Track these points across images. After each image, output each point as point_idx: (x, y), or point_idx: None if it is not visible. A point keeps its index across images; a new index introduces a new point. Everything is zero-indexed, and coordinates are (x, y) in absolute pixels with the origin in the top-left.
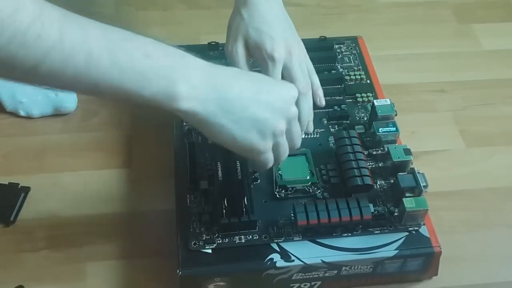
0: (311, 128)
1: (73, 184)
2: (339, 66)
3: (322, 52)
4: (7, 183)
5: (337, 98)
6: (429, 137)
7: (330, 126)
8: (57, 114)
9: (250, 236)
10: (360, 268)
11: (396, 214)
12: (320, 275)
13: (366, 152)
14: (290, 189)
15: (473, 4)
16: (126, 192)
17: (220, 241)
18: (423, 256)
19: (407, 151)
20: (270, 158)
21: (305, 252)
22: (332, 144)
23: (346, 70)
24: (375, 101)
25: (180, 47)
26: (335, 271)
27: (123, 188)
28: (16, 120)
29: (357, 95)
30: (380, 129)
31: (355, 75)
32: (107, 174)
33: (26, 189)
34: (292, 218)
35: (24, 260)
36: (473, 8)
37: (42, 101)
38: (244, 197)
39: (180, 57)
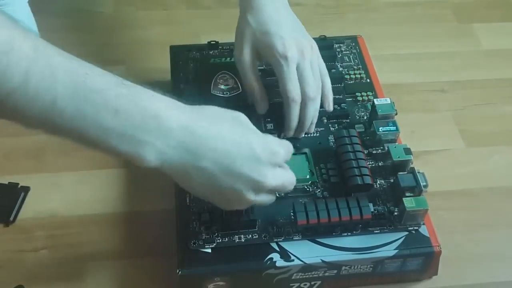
0: (312, 129)
1: (73, 183)
2: (339, 65)
3: (322, 51)
4: (6, 182)
5: (337, 97)
6: (429, 136)
7: (330, 125)
8: None
9: (250, 236)
10: (360, 268)
11: (396, 213)
12: (320, 275)
13: (366, 151)
14: None
15: (473, 4)
16: (126, 192)
17: (220, 241)
18: (423, 256)
19: (407, 151)
20: (245, 207)
21: (305, 252)
22: (332, 143)
23: (346, 69)
24: (375, 100)
25: (180, 47)
26: (335, 271)
27: (123, 187)
28: None
29: (357, 94)
30: (380, 128)
31: (355, 74)
32: (107, 174)
33: (26, 189)
34: (292, 217)
35: (24, 259)
36: (473, 7)
37: None
38: None
39: (153, 117)
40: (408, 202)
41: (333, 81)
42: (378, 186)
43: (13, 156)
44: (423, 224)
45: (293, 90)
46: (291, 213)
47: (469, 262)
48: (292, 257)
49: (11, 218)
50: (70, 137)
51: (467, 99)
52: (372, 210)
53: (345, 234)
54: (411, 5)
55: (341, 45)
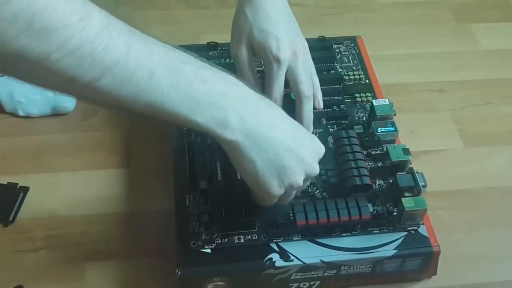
0: (310, 129)
1: (72, 184)
2: (338, 66)
3: (321, 52)
4: (6, 183)
5: (336, 98)
6: (428, 136)
7: (329, 126)
8: (56, 113)
9: (249, 236)
10: (359, 268)
11: (395, 213)
12: (319, 275)
13: (365, 152)
14: None
15: (472, 4)
16: (125, 192)
17: (219, 241)
18: (422, 256)
19: (406, 151)
20: (273, 202)
21: (304, 252)
22: (331, 144)
23: (345, 70)
24: (374, 101)
25: (180, 47)
26: (334, 271)
27: (122, 188)
28: (15, 120)
29: (356, 95)
30: (379, 129)
31: (354, 75)
32: (106, 174)
33: (25, 189)
34: (291, 218)
35: (23, 260)
36: (472, 8)
37: (41, 101)
38: (243, 197)
39: (234, 85)
40: (407, 202)
41: (332, 82)
42: (377, 186)
43: (12, 156)
44: (422, 224)
45: (277, 91)
46: (290, 214)
47: (468, 262)
48: (292, 257)
49: (10, 218)
50: (158, 113)
51: (466, 99)
52: (371, 210)
53: (344, 234)
54: (410, 5)
55: (340, 45)
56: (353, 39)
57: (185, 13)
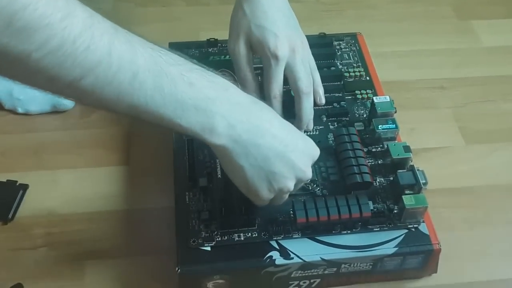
0: (311, 126)
1: (72, 181)
2: (338, 63)
3: (321, 48)
4: (5, 180)
5: (337, 95)
6: (429, 134)
7: (329, 123)
8: (55, 111)
9: (249, 234)
10: (360, 266)
11: (395, 211)
12: (320, 273)
13: (365, 149)
14: None
15: (473, 1)
16: (125, 190)
17: (219, 239)
18: (422, 254)
19: (407, 148)
20: (265, 204)
21: (304, 250)
22: (331, 141)
23: (345, 67)
24: (374, 98)
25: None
26: (334, 269)
27: (122, 185)
28: (14, 117)
29: (356, 92)
30: (379, 126)
31: (354, 72)
32: (106, 171)
33: (24, 187)
34: (291, 215)
35: (23, 258)
36: (473, 4)
37: (40, 98)
38: (243, 194)
39: (224, 89)
40: (408, 200)
41: (332, 79)
42: (377, 184)
43: (12, 154)
44: (423, 221)
45: (276, 88)
46: (291, 211)
47: (468, 260)
48: (292, 255)
49: (10, 216)
50: (142, 114)
51: (467, 96)
52: (372, 208)
53: (345, 232)
54: (410, 2)
55: (341, 42)
56: (353, 36)
57: (185, 9)
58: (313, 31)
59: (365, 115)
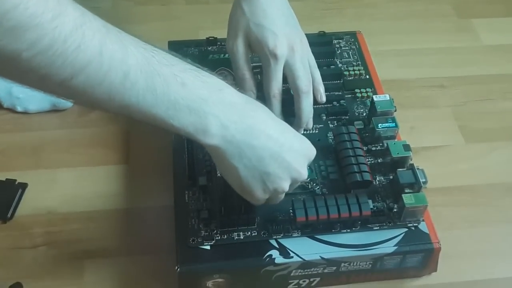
0: (310, 125)
1: (71, 180)
2: (338, 62)
3: (321, 47)
4: (4, 179)
5: (336, 93)
6: (429, 132)
7: (329, 122)
8: (54, 109)
9: (249, 233)
10: (359, 265)
11: (395, 210)
12: (319, 272)
13: (365, 148)
14: None
15: None
16: (124, 189)
17: (219, 238)
18: (422, 252)
19: (407, 147)
20: (260, 203)
21: (304, 249)
22: (331, 140)
23: (345, 66)
24: (374, 96)
25: (179, 43)
26: (334, 268)
27: (121, 184)
28: (13, 116)
29: (356, 90)
30: (379, 124)
31: (354, 70)
32: (105, 170)
33: (24, 185)
34: (291, 214)
35: (22, 257)
36: (473, 3)
37: (39, 97)
38: None
39: (217, 89)
40: (408, 198)
41: (332, 78)
42: (377, 182)
43: (11, 153)
44: (423, 220)
45: (275, 87)
46: (290, 210)
47: (468, 259)
48: (291, 254)
49: (9, 215)
50: (137, 113)
51: (467, 94)
52: (371, 206)
53: (344, 231)
54: (410, 0)
55: (340, 41)
56: (353, 34)
57: (184, 8)
58: (312, 29)
59: (365, 114)
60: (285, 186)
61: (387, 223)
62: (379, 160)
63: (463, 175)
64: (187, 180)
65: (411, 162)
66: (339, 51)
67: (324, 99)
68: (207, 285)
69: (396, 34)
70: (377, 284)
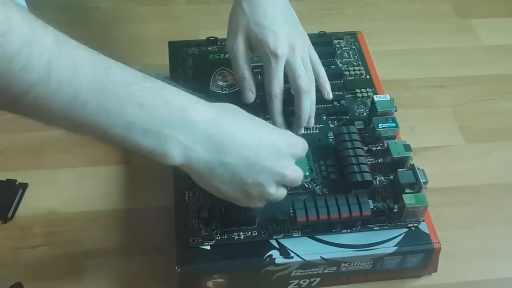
0: (312, 123)
1: (71, 180)
2: (338, 62)
3: (321, 47)
4: (4, 179)
5: (337, 93)
6: (429, 133)
7: (329, 122)
8: None
9: (249, 233)
10: (360, 265)
11: (395, 210)
12: (319, 272)
13: (365, 148)
14: None
15: None
16: (125, 189)
17: (219, 238)
18: (422, 253)
19: (407, 147)
20: (257, 207)
21: (304, 249)
22: (331, 140)
23: (345, 66)
24: (374, 96)
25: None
26: (334, 268)
27: (121, 184)
28: (13, 116)
29: (356, 90)
30: (379, 124)
31: (354, 70)
32: (106, 171)
33: (24, 186)
34: (291, 214)
35: (22, 257)
36: (473, 3)
37: None
38: None
39: (179, 109)
40: (408, 198)
41: (332, 78)
42: (377, 183)
43: (11, 153)
44: (423, 220)
45: (276, 86)
46: (291, 210)
47: (468, 259)
48: (292, 254)
49: (9, 215)
50: (93, 133)
51: (467, 95)
52: (372, 207)
53: (345, 231)
54: (410, 1)
55: (341, 41)
56: (353, 35)
57: (184, 8)
58: (313, 29)
59: (365, 114)
60: (271, 190)
61: (387, 223)
62: (379, 160)
63: (463, 175)
64: (187, 180)
65: (411, 162)
66: (340, 51)
67: (331, 96)
68: (207, 285)
69: (396, 34)
70: (377, 284)
